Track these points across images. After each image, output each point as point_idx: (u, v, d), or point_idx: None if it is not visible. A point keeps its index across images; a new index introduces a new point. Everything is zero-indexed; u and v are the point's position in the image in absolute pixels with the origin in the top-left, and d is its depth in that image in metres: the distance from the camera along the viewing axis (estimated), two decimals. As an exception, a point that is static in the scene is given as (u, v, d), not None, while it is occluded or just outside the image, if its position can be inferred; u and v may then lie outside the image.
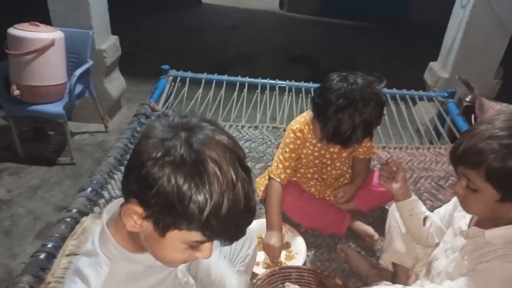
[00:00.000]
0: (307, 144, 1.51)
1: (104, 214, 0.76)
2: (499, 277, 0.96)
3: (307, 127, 1.49)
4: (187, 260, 0.72)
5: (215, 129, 0.66)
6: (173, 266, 0.79)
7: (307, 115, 1.51)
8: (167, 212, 0.62)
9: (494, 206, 0.94)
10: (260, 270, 1.38)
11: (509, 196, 0.91)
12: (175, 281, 0.85)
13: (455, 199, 1.21)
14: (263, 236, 1.49)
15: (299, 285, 1.33)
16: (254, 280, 1.28)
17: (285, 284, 1.33)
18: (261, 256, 1.46)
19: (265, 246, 1.43)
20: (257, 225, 1.52)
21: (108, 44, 2.83)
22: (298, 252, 1.48)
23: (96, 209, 1.43)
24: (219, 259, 1.11)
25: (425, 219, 1.24)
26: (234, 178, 0.62)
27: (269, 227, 1.47)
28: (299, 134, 1.48)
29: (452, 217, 1.18)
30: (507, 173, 0.88)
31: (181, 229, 0.63)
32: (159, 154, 0.61)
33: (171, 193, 0.60)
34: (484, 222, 1.03)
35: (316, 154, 1.54)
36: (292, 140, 1.49)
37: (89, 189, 1.47)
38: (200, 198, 0.60)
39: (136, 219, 0.66)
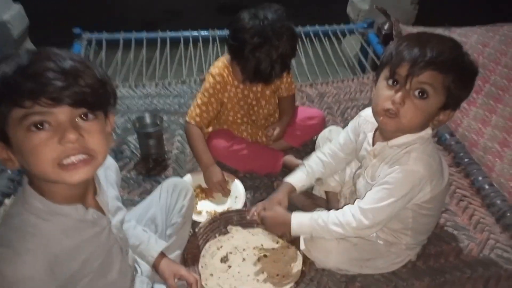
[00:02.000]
0: (228, 87, 1.51)
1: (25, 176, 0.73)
2: (395, 179, 1.04)
3: (226, 71, 1.49)
4: (58, 153, 0.65)
5: None
6: (68, 175, 0.68)
7: (225, 58, 1.51)
8: None
9: (429, 115, 1.00)
10: (203, 219, 1.41)
11: (449, 105, 0.99)
12: (109, 236, 0.83)
13: (352, 126, 1.27)
14: (202, 185, 1.52)
15: (241, 226, 1.39)
16: (197, 229, 1.32)
17: (228, 227, 1.38)
18: (203, 205, 1.49)
19: (210, 184, 1.49)
20: (194, 177, 1.55)
21: (11, 14, 2.59)
22: (237, 196, 1.52)
23: (20, 189, 1.37)
24: (143, 216, 1.15)
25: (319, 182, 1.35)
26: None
27: (203, 166, 1.51)
28: (218, 78, 1.48)
29: (355, 140, 1.25)
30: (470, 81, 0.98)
31: (7, 122, 0.64)
32: None
33: None
34: (385, 135, 1.10)
35: (240, 95, 1.55)
36: (211, 84, 1.48)
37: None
38: None
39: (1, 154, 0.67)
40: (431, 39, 0.98)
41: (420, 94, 0.96)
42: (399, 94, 0.97)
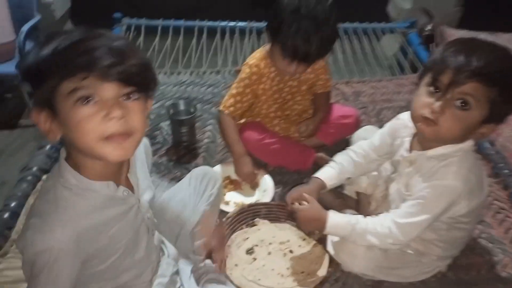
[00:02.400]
0: (264, 79, 1.50)
1: (62, 149, 0.76)
2: (432, 195, 1.01)
3: (263, 62, 1.48)
4: (102, 127, 0.68)
5: None
6: (110, 150, 0.70)
7: (264, 49, 1.50)
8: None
9: (470, 127, 0.95)
10: (231, 209, 1.41)
11: (492, 118, 0.93)
12: (137, 215, 0.84)
13: (388, 129, 1.22)
14: (231, 176, 1.52)
15: (268, 220, 1.38)
16: (224, 219, 1.32)
17: (255, 220, 1.38)
18: (231, 196, 1.49)
19: (240, 174, 1.49)
20: (224, 168, 1.55)
21: (55, -4, 2.65)
22: (266, 189, 1.51)
23: (57, 164, 1.41)
24: (172, 200, 1.15)
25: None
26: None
27: (235, 155, 1.51)
28: (255, 69, 1.47)
29: (391, 142, 1.21)
30: None
31: (53, 96, 0.67)
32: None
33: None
34: (425, 143, 1.05)
35: (275, 88, 1.53)
36: (247, 75, 1.48)
37: (48, 146, 1.44)
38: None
39: (45, 124, 0.70)
40: (480, 46, 0.93)
41: (462, 104, 0.91)
42: (439, 103, 0.93)
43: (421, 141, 1.07)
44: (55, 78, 0.65)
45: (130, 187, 0.82)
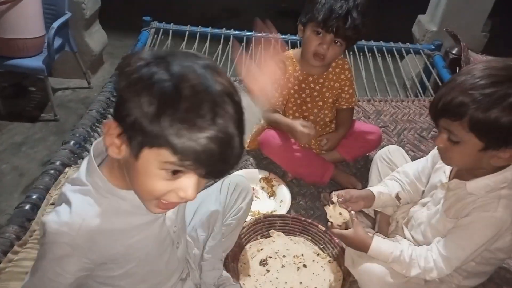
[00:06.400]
0: (287, 75, 1.52)
1: (93, 146, 0.74)
2: (480, 227, 0.99)
3: (289, 60, 1.52)
4: (167, 195, 0.67)
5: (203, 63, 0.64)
6: (154, 206, 0.71)
7: (290, 51, 1.55)
8: (136, 127, 0.61)
9: (476, 156, 0.95)
10: (247, 219, 1.40)
11: (491, 144, 0.92)
12: (162, 228, 0.83)
13: (433, 153, 1.22)
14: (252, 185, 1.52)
15: (283, 232, 1.37)
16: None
17: (270, 231, 1.37)
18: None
19: (300, 135, 1.43)
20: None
21: (86, -5, 2.71)
22: (283, 200, 1.51)
23: (80, 161, 1.43)
24: (201, 207, 1.11)
25: (398, 198, 1.26)
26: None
27: (285, 125, 1.49)
28: (280, 64, 1.48)
29: (432, 170, 1.20)
30: (490, 122, 0.88)
31: (151, 147, 0.61)
32: (132, 70, 0.62)
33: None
34: (464, 174, 1.05)
35: (296, 87, 1.55)
36: None
37: (72, 142, 1.46)
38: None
39: (114, 138, 0.65)
40: (450, 83, 0.96)
41: (450, 139, 0.96)
42: (438, 139, 0.99)
43: (460, 170, 1.06)
44: (162, 142, 0.60)
45: None
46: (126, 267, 0.79)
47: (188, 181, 0.65)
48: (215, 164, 0.62)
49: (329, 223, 1.16)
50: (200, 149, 0.59)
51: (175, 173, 0.63)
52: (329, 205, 1.16)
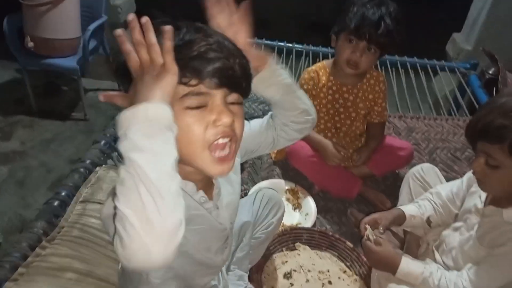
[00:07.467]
0: (320, 85, 1.50)
1: None
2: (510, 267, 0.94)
3: (322, 70, 1.51)
4: (208, 134, 0.64)
5: None
6: (210, 162, 0.66)
7: (323, 62, 1.53)
8: None
9: None
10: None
11: None
12: (212, 223, 0.77)
13: (468, 176, 1.18)
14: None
15: (309, 246, 1.34)
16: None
17: (296, 244, 1.34)
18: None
19: (331, 156, 1.48)
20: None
21: (123, 0, 2.77)
22: (308, 213, 1.48)
23: (109, 161, 1.43)
24: None
25: (428, 222, 1.22)
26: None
27: (317, 142, 1.51)
28: (313, 74, 1.50)
29: (466, 194, 1.15)
30: None
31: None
32: None
33: None
34: (501, 200, 1.00)
35: (330, 98, 1.52)
36: (306, 80, 1.50)
37: (103, 142, 1.47)
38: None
39: None
40: (489, 105, 0.94)
41: (488, 164, 0.93)
42: (475, 163, 0.96)
43: (497, 196, 1.02)
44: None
45: (210, 196, 0.76)
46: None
47: (213, 105, 0.64)
48: (221, 71, 0.63)
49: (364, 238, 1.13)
50: (201, 58, 0.62)
51: (199, 107, 0.63)
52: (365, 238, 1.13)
